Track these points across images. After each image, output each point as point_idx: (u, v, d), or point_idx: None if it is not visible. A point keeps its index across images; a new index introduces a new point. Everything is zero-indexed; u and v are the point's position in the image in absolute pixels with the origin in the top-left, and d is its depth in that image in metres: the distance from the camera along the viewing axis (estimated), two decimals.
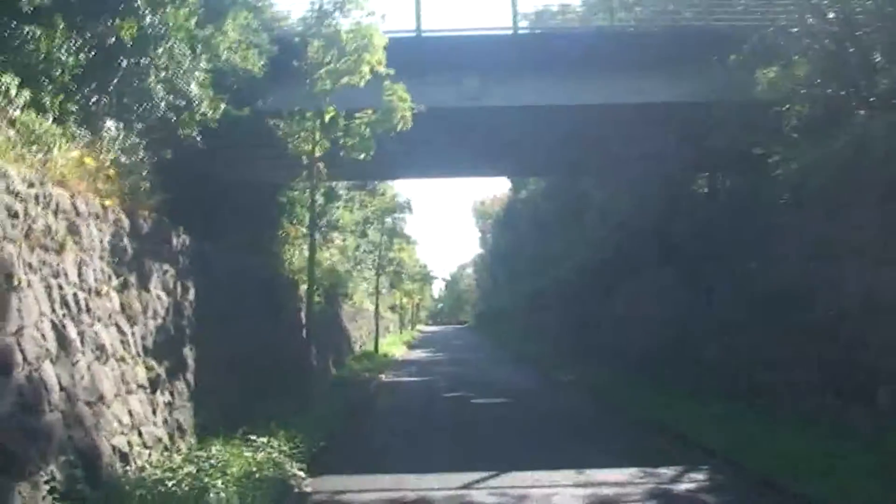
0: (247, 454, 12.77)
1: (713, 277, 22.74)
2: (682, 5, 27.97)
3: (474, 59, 23.36)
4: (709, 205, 28.81)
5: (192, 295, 15.99)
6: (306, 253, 27.83)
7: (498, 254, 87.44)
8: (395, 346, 55.30)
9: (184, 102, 16.37)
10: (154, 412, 12.68)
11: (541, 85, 23.85)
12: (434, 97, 21.13)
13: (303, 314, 26.51)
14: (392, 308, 76.16)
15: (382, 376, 33.80)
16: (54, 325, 9.68)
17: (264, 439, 13.67)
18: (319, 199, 25.60)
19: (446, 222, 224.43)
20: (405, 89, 19.51)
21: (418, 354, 53.97)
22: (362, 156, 20.05)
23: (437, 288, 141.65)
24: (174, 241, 15.69)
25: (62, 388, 9.41)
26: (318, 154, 20.14)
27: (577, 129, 26.08)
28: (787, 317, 17.57)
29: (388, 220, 47.67)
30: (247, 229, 23.70)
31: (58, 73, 12.53)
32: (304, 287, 26.90)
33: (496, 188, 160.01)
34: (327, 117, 19.86)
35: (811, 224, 17.42)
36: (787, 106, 19.25)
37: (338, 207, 38.50)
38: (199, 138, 17.10)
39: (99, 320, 11.21)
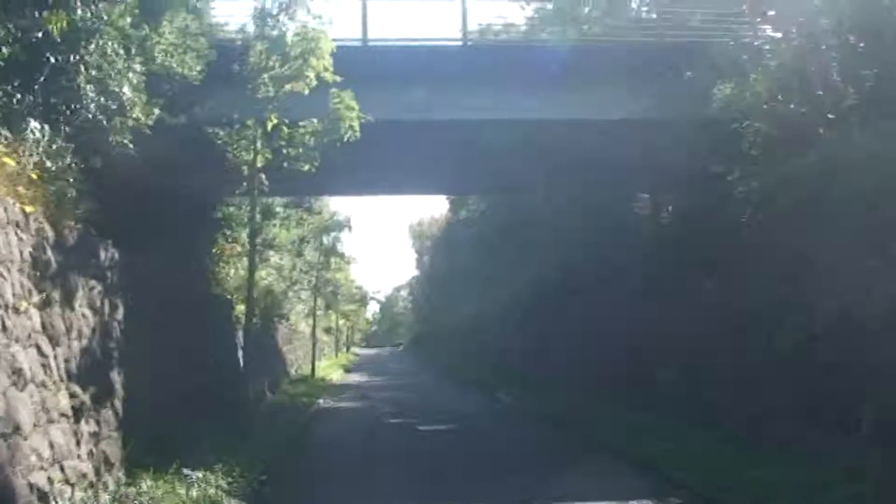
0: (180, 491, 11.66)
1: (669, 298, 22.03)
2: (633, 22, 27.73)
3: (422, 71, 22.67)
4: (660, 223, 28.28)
5: (120, 314, 14.67)
6: (242, 272, 26.68)
7: (436, 275, 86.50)
8: (331, 370, 53.93)
9: (115, 106, 15.16)
10: (78, 444, 11.38)
11: (490, 98, 23.27)
12: (380, 109, 20.16)
13: (239, 336, 25.28)
14: (327, 330, 74.67)
15: (321, 402, 32.49)
16: None
17: (199, 473, 12.51)
18: (257, 215, 24.44)
19: (381, 243, 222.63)
20: (353, 97, 18.53)
21: (356, 378, 52.66)
22: (306, 167, 19.00)
23: (371, 310, 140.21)
24: (102, 254, 14.39)
25: None
26: (259, 164, 19.01)
27: (525, 145, 25.46)
28: (754, 338, 16.88)
29: (326, 238, 46.47)
30: (180, 246, 22.34)
31: None
32: (240, 307, 25.71)
33: (433, 209, 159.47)
34: (270, 126, 18.76)
35: (778, 242, 16.80)
36: (747, 123, 18.75)
37: (274, 225, 37.31)
38: (131, 146, 15.85)
39: (17, 341, 9.91)
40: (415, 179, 32.12)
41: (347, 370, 61.83)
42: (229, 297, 27.00)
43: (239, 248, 28.07)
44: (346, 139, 18.81)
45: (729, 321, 18.19)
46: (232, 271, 28.42)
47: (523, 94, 23.31)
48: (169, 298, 18.21)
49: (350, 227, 46.38)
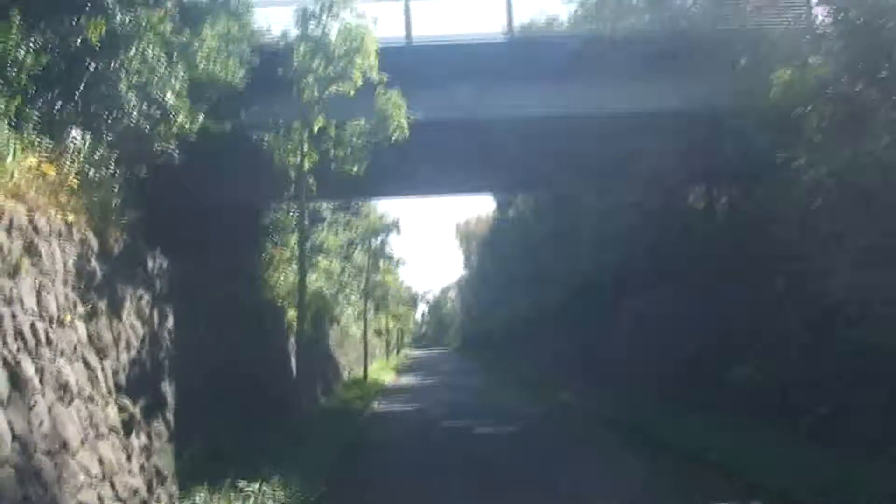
0: None
1: (733, 292, 21.22)
2: (680, 11, 27.02)
3: (468, 68, 22.15)
4: (719, 215, 27.50)
5: (170, 323, 14.42)
6: (292, 277, 26.44)
7: (484, 275, 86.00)
8: (383, 372, 53.71)
9: (159, 113, 14.92)
10: (129, 458, 11.08)
11: (538, 93, 22.67)
12: (426, 108, 19.64)
13: (290, 341, 25.06)
14: (378, 333, 74.53)
15: (375, 404, 32.18)
16: (6, 362, 8.11)
17: (256, 486, 12.11)
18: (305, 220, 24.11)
19: (428, 245, 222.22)
20: (401, 95, 18.11)
21: (408, 380, 52.30)
22: (354, 168, 18.58)
23: (420, 312, 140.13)
24: (150, 263, 14.13)
25: (15, 438, 7.86)
26: (306, 167, 18.63)
27: (575, 141, 24.81)
28: (836, 332, 16.06)
29: (374, 241, 46.20)
30: (229, 253, 22.18)
31: (13, 74, 11.03)
32: (291, 313, 25.48)
33: (479, 209, 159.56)
34: (316, 127, 18.37)
35: (857, 229, 16.04)
36: (811, 106, 18.03)
37: (322, 230, 37.19)
38: (176, 153, 15.60)
39: (62, 354, 9.60)
40: (462, 179, 31.51)
41: (399, 372, 61.55)
42: (280, 302, 26.79)
43: (288, 254, 27.87)
44: (394, 139, 18.36)
45: (806, 314, 17.37)
46: (281, 277, 28.22)
47: (572, 87, 22.77)
48: (220, 306, 18.00)
49: (398, 229, 46.07)
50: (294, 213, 26.90)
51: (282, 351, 25.04)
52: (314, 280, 34.22)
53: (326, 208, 38.72)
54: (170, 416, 13.27)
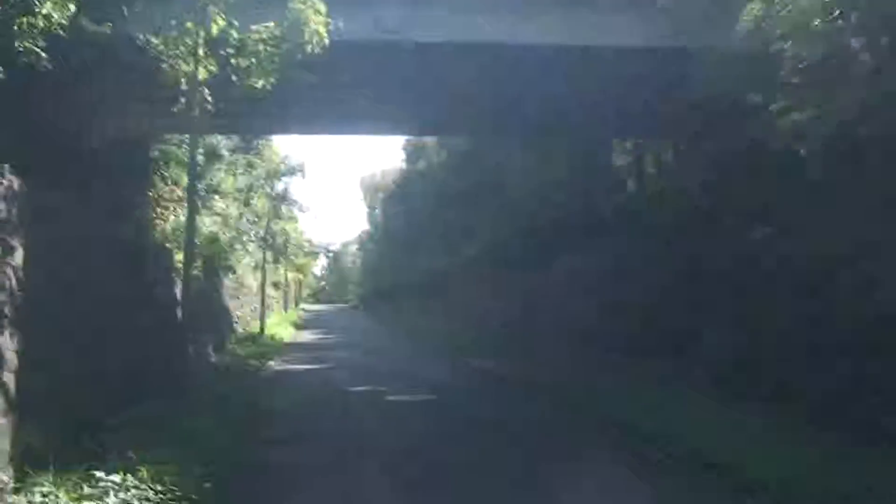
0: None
1: (691, 250, 18.87)
2: None
3: None
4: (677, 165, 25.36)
5: (18, 258, 11.21)
6: (183, 219, 23.38)
7: (390, 229, 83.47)
8: (281, 327, 50.51)
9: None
10: None
11: (475, 17, 20.02)
12: (344, 28, 16.54)
13: (177, 289, 21.94)
14: (276, 285, 71.18)
15: (273, 363, 29.22)
16: None
17: (117, 477, 9.10)
18: (200, 156, 20.87)
19: (328, 196, 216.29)
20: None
21: (308, 337, 49.31)
22: (260, 83, 15.45)
23: (320, 265, 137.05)
24: None
25: None
26: (202, 77, 15.41)
27: (512, 77, 22.38)
28: (829, 299, 13.80)
29: (278, 184, 43.05)
30: (106, 183, 18.90)
31: None
32: (179, 256, 22.37)
33: (384, 161, 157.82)
34: (215, 29, 15.12)
35: (857, 180, 13.86)
36: (789, 43, 15.76)
37: (219, 169, 33.87)
38: (43, 55, 12.50)
39: None
40: (378, 115, 28.59)
41: (298, 327, 58.76)
42: (166, 244, 23.62)
43: (179, 193, 24.69)
44: (310, 49, 15.24)
45: (792, 277, 15.06)
46: (170, 217, 25.04)
47: (509, 15, 20.16)
48: (90, 243, 14.85)
49: (303, 173, 43.03)
50: (187, 146, 23.76)
51: (166, 300, 21.88)
52: (209, 224, 31.02)
53: (225, 146, 35.40)
54: (9, 379, 10.16)
